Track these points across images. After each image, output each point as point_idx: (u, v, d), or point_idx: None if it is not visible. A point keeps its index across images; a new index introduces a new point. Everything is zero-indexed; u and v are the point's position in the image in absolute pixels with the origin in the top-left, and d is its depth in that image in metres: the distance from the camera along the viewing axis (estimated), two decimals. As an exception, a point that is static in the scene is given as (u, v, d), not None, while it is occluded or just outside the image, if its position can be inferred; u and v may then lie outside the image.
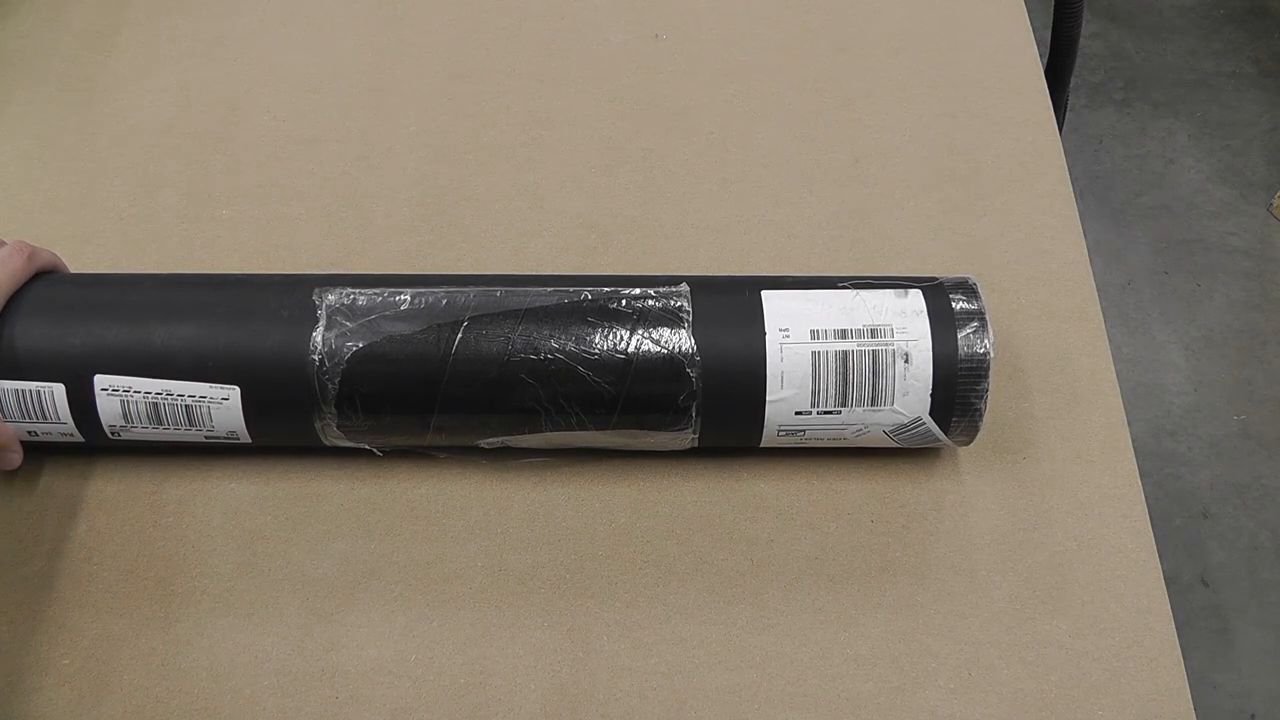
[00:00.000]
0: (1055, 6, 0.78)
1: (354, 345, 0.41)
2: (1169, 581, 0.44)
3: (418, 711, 0.41)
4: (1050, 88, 0.61)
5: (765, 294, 0.43)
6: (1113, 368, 0.50)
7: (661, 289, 0.43)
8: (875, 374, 0.41)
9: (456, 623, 0.43)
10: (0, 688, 0.42)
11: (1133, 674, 0.42)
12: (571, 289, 0.43)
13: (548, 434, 0.43)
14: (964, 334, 0.41)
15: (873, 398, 0.42)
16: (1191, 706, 0.41)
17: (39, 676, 0.42)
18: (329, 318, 0.42)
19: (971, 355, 0.41)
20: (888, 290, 0.43)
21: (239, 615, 0.43)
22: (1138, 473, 0.47)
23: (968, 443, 0.44)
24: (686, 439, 0.43)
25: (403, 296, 0.42)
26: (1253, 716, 1.11)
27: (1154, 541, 0.45)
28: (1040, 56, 0.63)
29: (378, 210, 0.56)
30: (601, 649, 0.42)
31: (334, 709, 0.41)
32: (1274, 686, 1.13)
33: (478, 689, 0.42)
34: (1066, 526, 0.45)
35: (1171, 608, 0.43)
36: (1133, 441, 0.47)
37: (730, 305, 0.42)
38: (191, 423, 0.42)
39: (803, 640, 0.43)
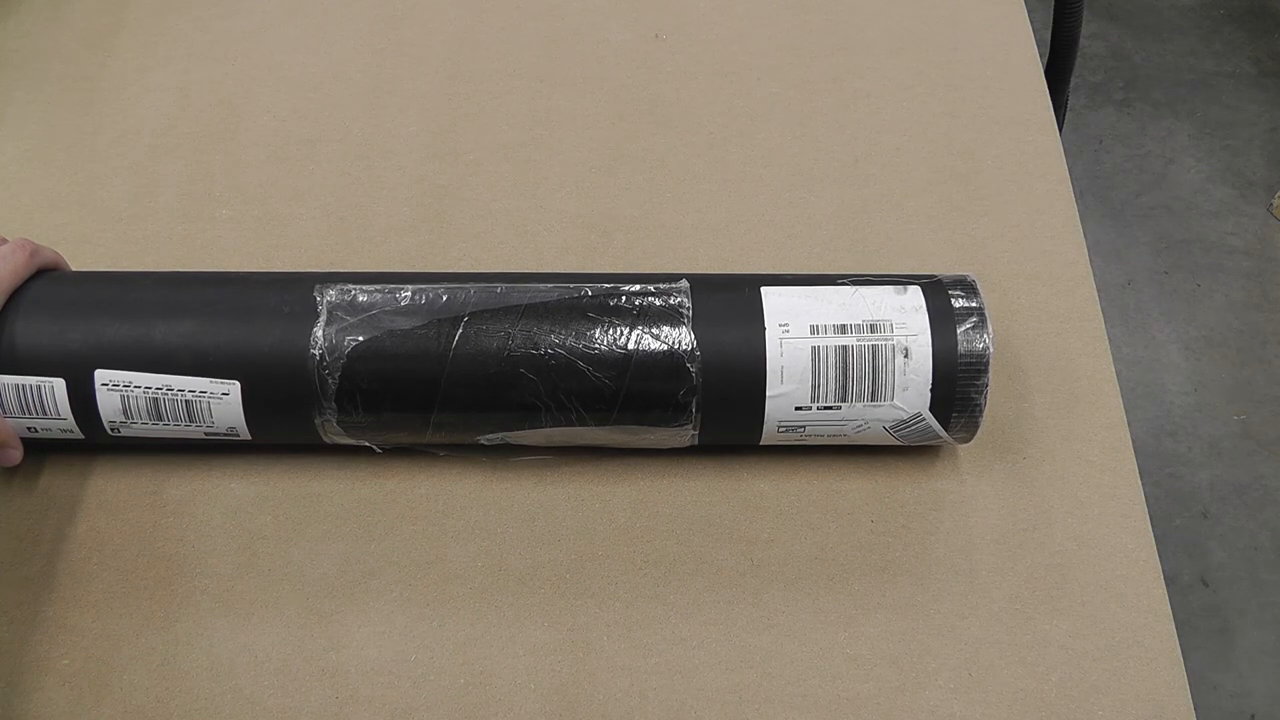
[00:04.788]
0: (1055, 6, 0.78)
1: (354, 340, 0.41)
2: (1169, 581, 0.44)
3: (418, 711, 0.41)
4: (1050, 88, 0.61)
5: (765, 290, 0.43)
6: (1113, 368, 0.50)
7: (661, 285, 0.43)
8: (875, 369, 0.41)
9: (456, 623, 0.43)
10: (0, 688, 0.42)
11: (1133, 674, 0.42)
12: (572, 285, 0.43)
13: (548, 430, 0.43)
14: (963, 329, 0.42)
15: (873, 393, 0.42)
16: (1191, 706, 0.41)
17: (39, 676, 0.42)
18: (329, 313, 0.42)
19: (971, 351, 0.41)
20: (887, 286, 0.43)
21: (239, 615, 0.43)
22: (1138, 473, 0.47)
23: (968, 440, 0.44)
24: (686, 435, 0.43)
25: (403, 292, 0.42)
26: (1253, 716, 1.11)
27: (1154, 541, 0.45)
28: (1040, 56, 0.63)
29: (378, 210, 0.56)
30: (601, 649, 0.42)
31: (334, 709, 0.41)
32: (1274, 686, 1.13)
33: (478, 689, 0.42)
34: (1066, 526, 0.45)
35: (1171, 608, 0.43)
36: (1133, 441, 0.47)
37: (730, 301, 0.43)
38: (191, 418, 0.42)
39: (803, 640, 0.43)
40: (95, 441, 0.44)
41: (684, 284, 0.43)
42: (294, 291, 0.43)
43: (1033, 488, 0.46)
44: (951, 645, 0.42)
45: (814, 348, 0.41)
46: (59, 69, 0.63)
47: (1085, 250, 0.54)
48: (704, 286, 0.43)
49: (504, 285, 0.43)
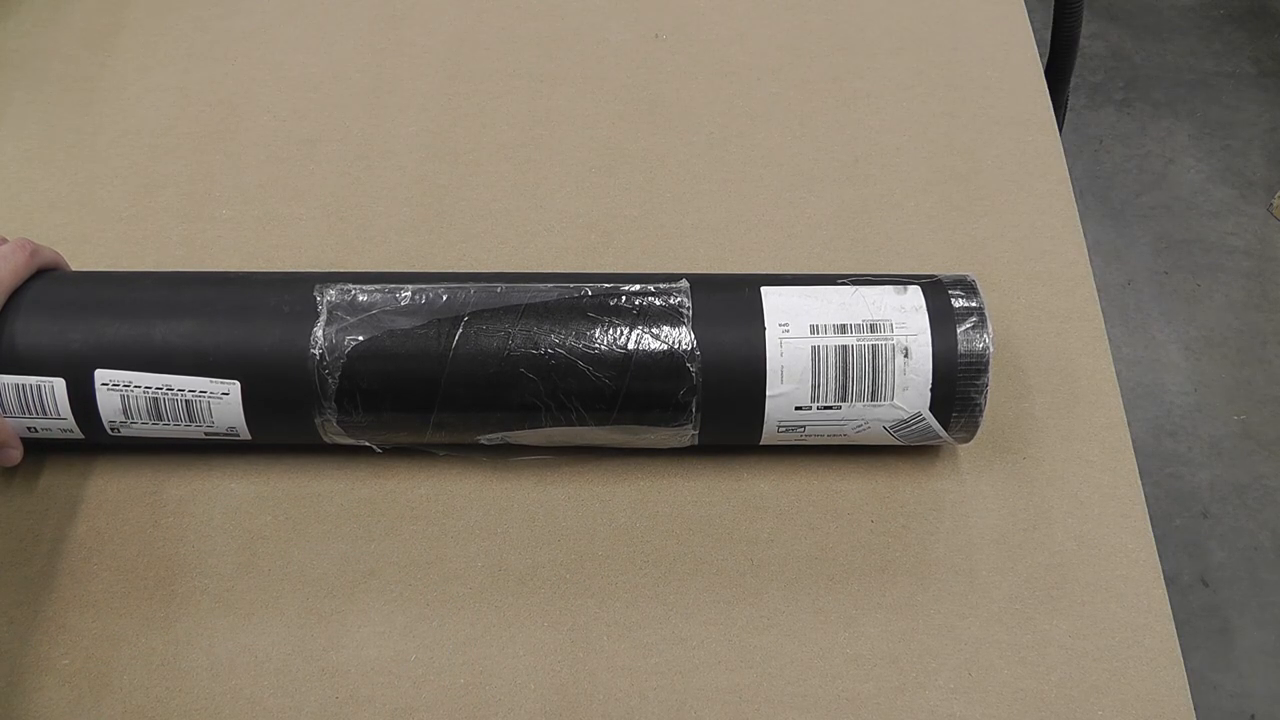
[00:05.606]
0: (1055, 6, 0.78)
1: (354, 340, 0.41)
2: (1169, 581, 0.44)
3: (418, 711, 0.41)
4: (1050, 88, 0.61)
5: (765, 290, 0.43)
6: (1113, 368, 0.50)
7: (661, 285, 0.43)
8: (875, 369, 0.41)
9: (456, 623, 0.43)
10: (0, 688, 0.42)
11: (1133, 674, 0.42)
12: (572, 285, 0.43)
13: (548, 430, 0.43)
14: (963, 329, 0.42)
15: (872, 392, 0.42)
16: (1191, 706, 0.41)
17: (39, 676, 0.42)
18: (329, 313, 0.42)
19: (971, 351, 0.41)
20: (887, 286, 0.43)
21: (239, 615, 0.43)
22: (1138, 473, 0.47)
23: (967, 439, 0.44)
24: (686, 435, 0.43)
25: (404, 292, 0.42)
26: (1253, 717, 1.11)
27: (1154, 541, 0.45)
28: (1040, 56, 0.63)
29: (378, 210, 0.56)
30: (601, 649, 0.42)
31: (334, 709, 0.41)
32: (1274, 686, 1.13)
33: (478, 689, 0.42)
34: (1066, 526, 0.45)
35: (1171, 608, 0.43)
36: (1133, 441, 0.47)
37: (730, 301, 0.43)
38: (191, 418, 0.42)
39: (803, 640, 0.43)
40: (95, 441, 0.44)
41: (684, 284, 0.43)
42: (294, 291, 0.43)
43: (1033, 488, 0.46)
44: (951, 645, 0.42)
45: (814, 347, 0.41)
46: (59, 69, 0.63)
47: (1085, 250, 0.54)
48: (704, 286, 0.43)
49: (504, 285, 0.43)
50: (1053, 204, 0.55)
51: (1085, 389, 0.49)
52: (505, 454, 0.47)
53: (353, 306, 0.42)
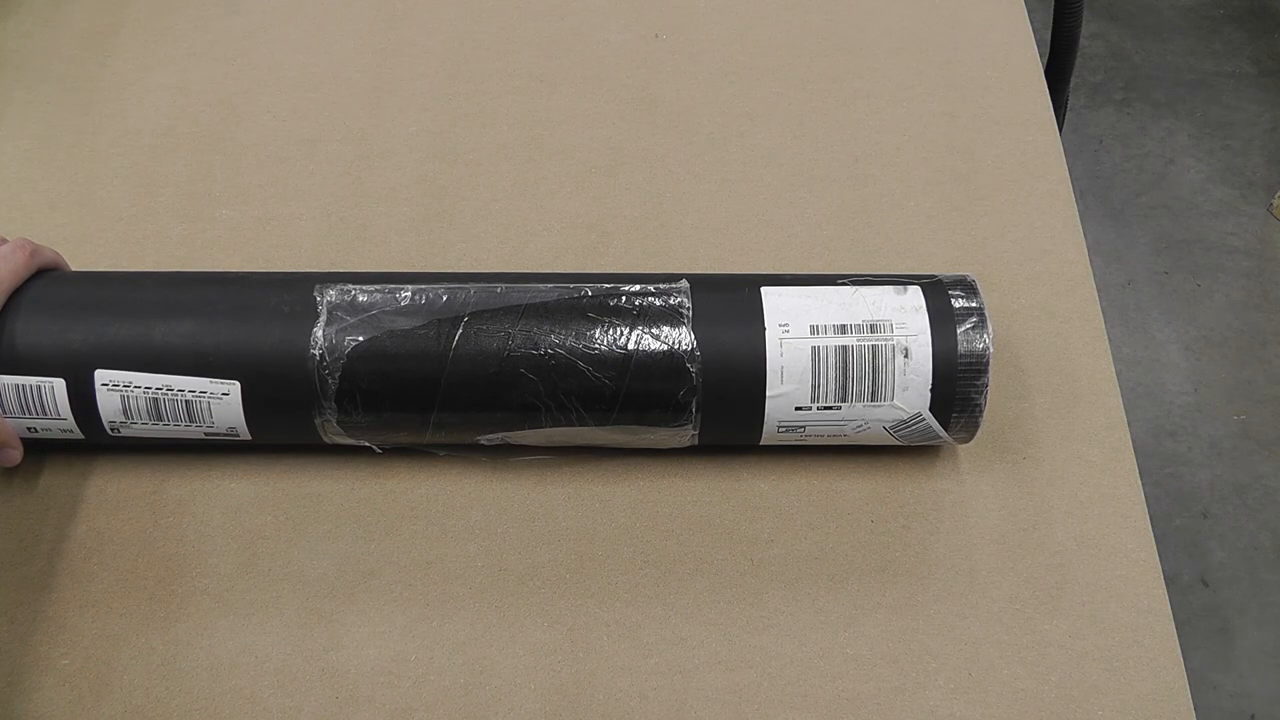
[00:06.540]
0: (1055, 6, 0.78)
1: (354, 340, 0.41)
2: (1169, 581, 0.44)
3: (418, 711, 0.41)
4: (1050, 88, 0.61)
5: (765, 290, 0.43)
6: (1113, 368, 0.50)
7: (661, 285, 0.43)
8: (875, 369, 0.41)
9: (456, 623, 0.43)
10: (0, 688, 0.42)
11: (1133, 674, 0.42)
12: (572, 285, 0.43)
13: (548, 430, 0.43)
14: (963, 330, 0.42)
15: (873, 393, 0.42)
16: (1191, 706, 0.41)
17: (39, 676, 0.42)
18: (329, 313, 0.42)
19: (971, 351, 0.41)
20: (887, 286, 0.43)
21: (239, 615, 0.43)
22: (1138, 473, 0.47)
23: (967, 440, 0.44)
24: (686, 435, 0.43)
25: (404, 293, 0.43)
26: (1253, 717, 1.11)
27: (1154, 541, 0.45)
28: (1040, 56, 0.63)
29: (378, 210, 0.56)
30: (601, 649, 0.42)
31: (334, 709, 0.41)
32: (1274, 686, 1.13)
33: (478, 689, 0.42)
34: (1066, 526, 0.45)
35: (1171, 608, 0.43)
36: (1133, 441, 0.47)
37: (730, 301, 0.43)
38: (191, 418, 0.42)
39: (803, 640, 0.43)
40: (95, 441, 0.44)
41: (684, 284, 0.43)
42: (294, 291, 0.43)
43: (1033, 488, 0.46)
44: (951, 645, 0.42)
45: (814, 348, 0.41)
46: (59, 69, 0.63)
47: (1085, 250, 0.54)
48: (704, 286, 0.43)
49: (504, 285, 0.43)
50: (1053, 204, 0.55)
51: (1085, 389, 0.49)
52: (505, 454, 0.47)
53: (353, 307, 0.42)
